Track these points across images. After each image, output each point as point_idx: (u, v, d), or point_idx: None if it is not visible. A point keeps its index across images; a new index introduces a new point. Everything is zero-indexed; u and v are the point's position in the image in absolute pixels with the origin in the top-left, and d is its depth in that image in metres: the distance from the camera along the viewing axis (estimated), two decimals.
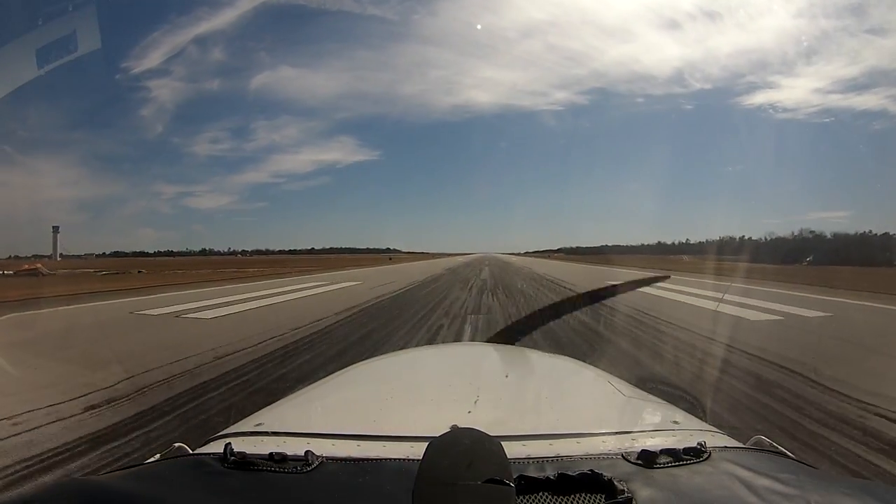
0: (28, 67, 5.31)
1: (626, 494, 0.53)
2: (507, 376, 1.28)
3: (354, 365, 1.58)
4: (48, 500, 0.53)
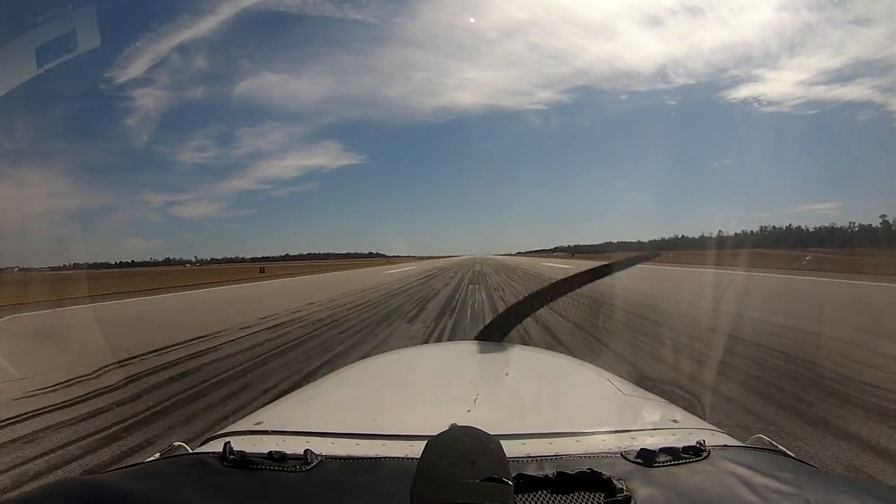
0: (28, 67, 5.23)
1: (625, 493, 0.55)
2: (506, 375, 1.31)
3: (354, 364, 1.61)
4: (48, 500, 0.54)
